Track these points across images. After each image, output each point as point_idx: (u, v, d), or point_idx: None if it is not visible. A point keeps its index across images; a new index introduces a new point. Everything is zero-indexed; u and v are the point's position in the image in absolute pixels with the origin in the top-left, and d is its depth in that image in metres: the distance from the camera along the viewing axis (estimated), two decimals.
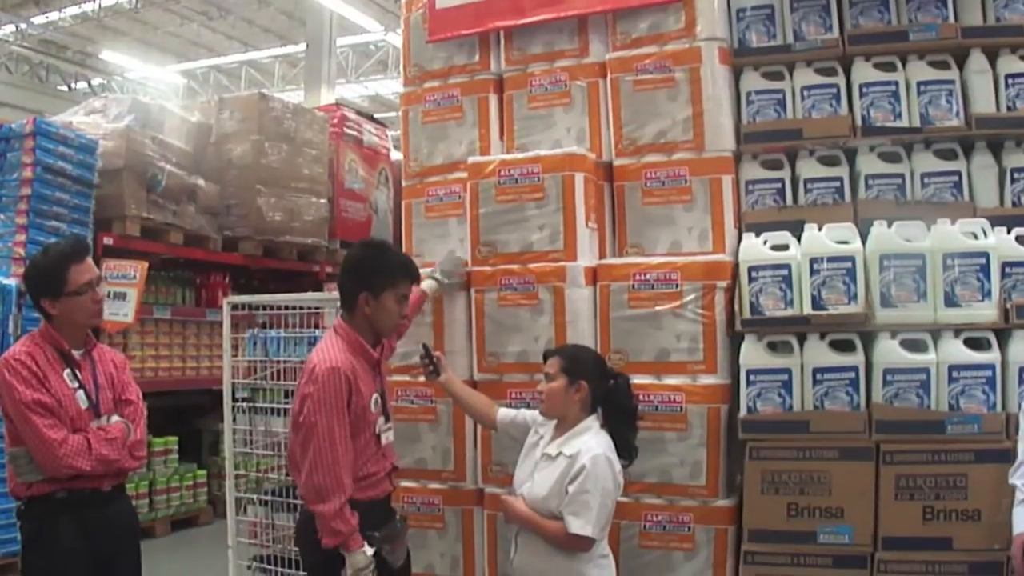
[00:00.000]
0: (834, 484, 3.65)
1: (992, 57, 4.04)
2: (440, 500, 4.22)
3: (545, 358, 3.54)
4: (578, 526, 3.20)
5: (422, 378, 4.04)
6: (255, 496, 5.35)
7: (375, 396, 3.39)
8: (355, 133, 9.88)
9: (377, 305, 3.38)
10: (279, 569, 5.08)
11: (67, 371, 3.36)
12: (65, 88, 21.90)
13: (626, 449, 3.41)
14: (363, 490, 3.34)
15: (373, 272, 3.41)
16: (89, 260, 3.49)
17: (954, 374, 3.63)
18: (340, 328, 3.42)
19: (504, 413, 3.79)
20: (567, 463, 3.29)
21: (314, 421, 3.19)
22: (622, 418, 3.45)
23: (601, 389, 3.43)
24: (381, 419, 3.44)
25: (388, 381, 4.19)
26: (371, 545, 3.28)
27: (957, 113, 4.03)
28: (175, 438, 8.63)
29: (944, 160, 4.08)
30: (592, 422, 3.41)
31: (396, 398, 4.24)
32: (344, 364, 3.25)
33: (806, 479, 3.67)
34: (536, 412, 3.60)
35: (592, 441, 3.32)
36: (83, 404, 3.35)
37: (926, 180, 4.07)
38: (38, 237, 6.71)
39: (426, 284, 4.09)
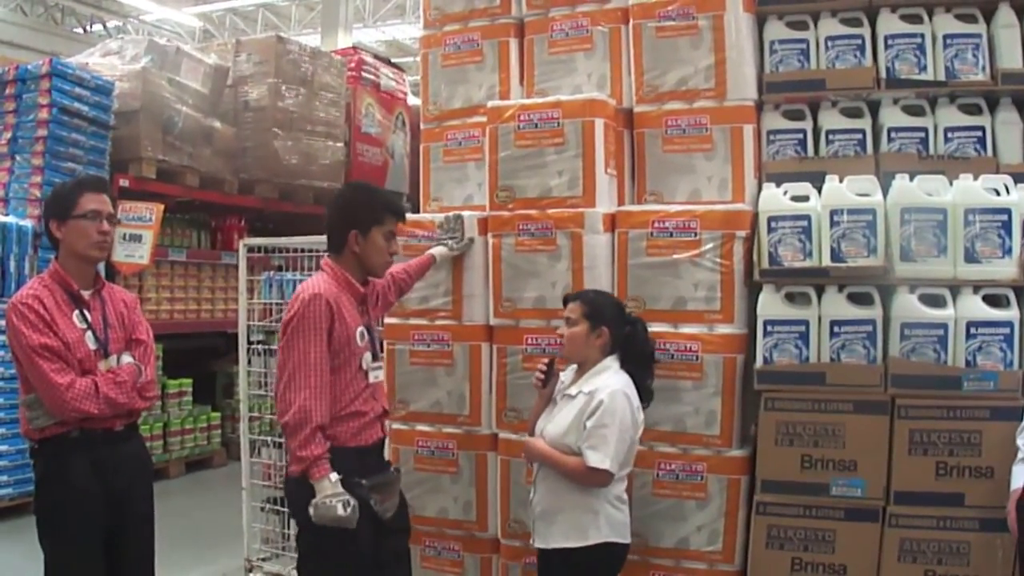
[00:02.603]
0: (848, 437, 3.65)
1: (1020, 12, 3.96)
2: (454, 444, 4.23)
3: (565, 302, 3.56)
4: (596, 459, 3.25)
5: (439, 322, 4.09)
6: (269, 438, 5.40)
7: (360, 329, 3.38)
8: (372, 77, 9.86)
9: (366, 242, 3.39)
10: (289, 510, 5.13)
11: (76, 312, 3.35)
12: (81, 31, 21.75)
13: (642, 391, 3.47)
14: (353, 436, 3.33)
15: (360, 210, 3.44)
16: (105, 196, 3.49)
17: (972, 330, 3.59)
18: (327, 266, 3.44)
19: None
20: (585, 399, 3.35)
21: (292, 343, 3.21)
22: (639, 362, 3.52)
23: (620, 334, 3.47)
24: (368, 355, 3.42)
25: (399, 324, 4.23)
26: (358, 494, 3.23)
27: (983, 67, 3.97)
28: (189, 380, 8.71)
29: (968, 115, 4.02)
30: (612, 362, 3.47)
31: (413, 341, 4.27)
32: (327, 292, 3.26)
33: (820, 431, 3.67)
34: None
35: (612, 379, 3.39)
36: (91, 345, 3.35)
37: (949, 135, 4.02)
38: (54, 179, 6.76)
39: (436, 250, 4.11)
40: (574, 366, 3.56)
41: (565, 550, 3.37)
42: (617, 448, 3.29)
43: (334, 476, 3.17)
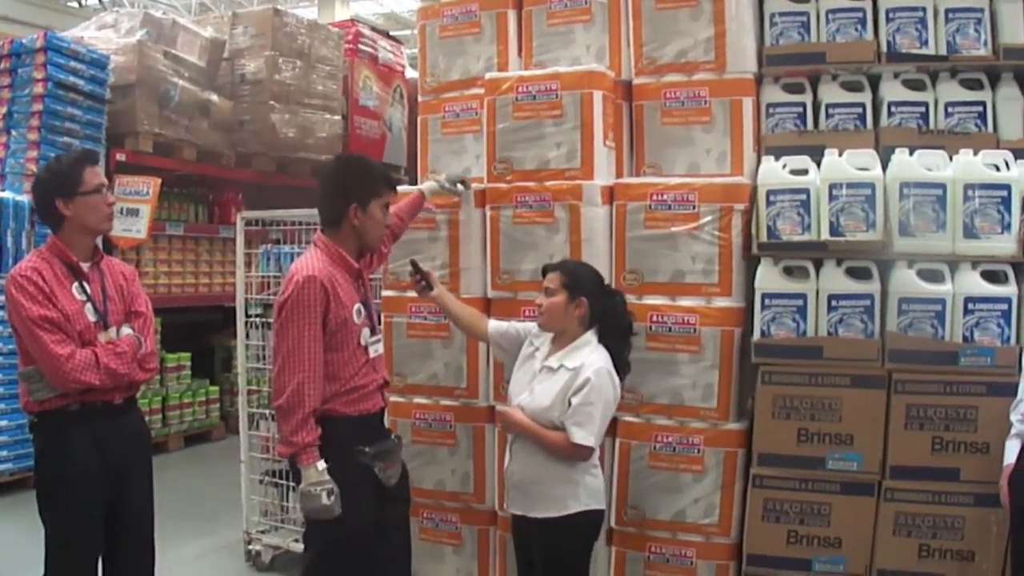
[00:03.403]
0: (845, 411, 3.65)
1: None
2: (452, 417, 4.24)
3: (544, 272, 3.57)
4: (581, 436, 3.28)
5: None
6: (267, 411, 5.39)
7: (357, 306, 3.37)
8: (370, 50, 9.81)
9: (365, 216, 3.38)
10: (291, 483, 5.14)
11: (75, 284, 3.35)
12: (75, 4, 21.57)
13: (620, 364, 3.48)
14: (353, 403, 3.34)
15: (359, 184, 3.41)
16: (98, 168, 3.51)
17: (970, 306, 3.60)
18: (320, 242, 3.41)
19: (495, 325, 3.84)
20: (570, 376, 3.35)
21: (286, 327, 3.20)
22: (617, 334, 3.53)
23: (599, 306, 3.47)
24: (366, 330, 3.42)
25: (396, 297, 4.23)
26: (362, 461, 3.29)
27: (984, 42, 3.95)
28: (188, 354, 8.72)
29: (969, 90, 4.00)
30: (591, 336, 3.47)
31: (410, 314, 4.27)
32: (321, 273, 3.24)
33: (817, 405, 3.67)
34: (528, 324, 3.68)
35: (594, 355, 3.39)
36: (91, 317, 3.35)
37: (950, 109, 4.00)
38: (50, 153, 6.70)
39: (425, 185, 4.11)
40: (548, 335, 3.55)
41: (544, 520, 3.39)
42: (601, 425, 3.34)
43: (321, 464, 3.19)
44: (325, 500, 3.15)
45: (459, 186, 4.12)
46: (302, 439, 3.17)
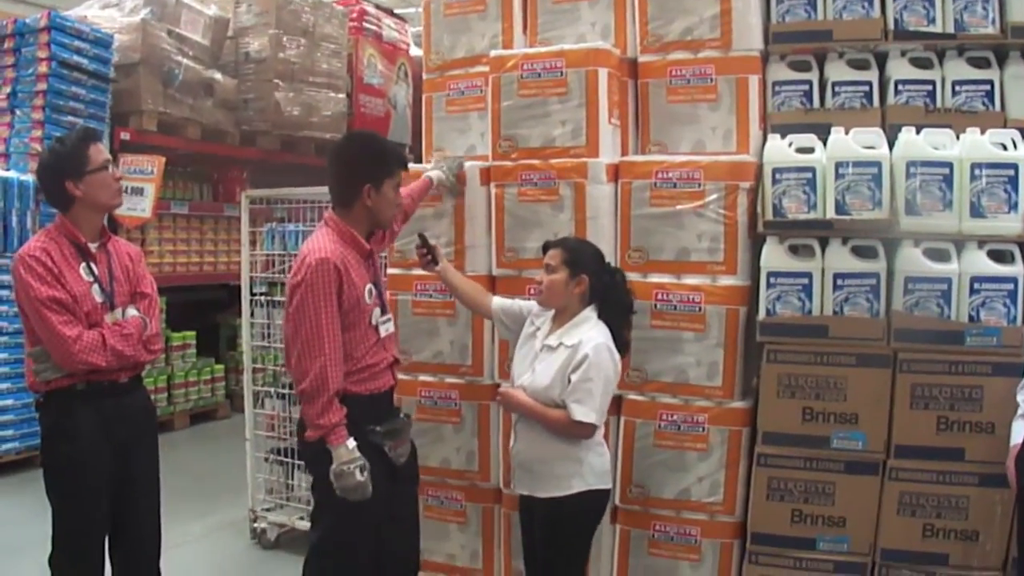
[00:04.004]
0: (850, 390, 3.64)
1: None
2: (457, 394, 4.24)
3: (545, 249, 3.55)
4: (582, 413, 3.27)
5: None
6: (272, 389, 5.42)
7: (368, 287, 3.37)
8: (374, 28, 9.79)
9: (379, 196, 3.36)
10: (295, 461, 5.17)
11: (83, 265, 3.36)
12: None
13: (619, 342, 3.47)
14: (364, 382, 3.35)
15: (372, 164, 3.38)
16: (102, 145, 3.50)
17: (976, 285, 3.58)
18: (332, 221, 3.39)
19: (498, 301, 3.84)
20: (569, 353, 3.34)
21: (302, 311, 3.19)
22: (617, 312, 3.51)
23: (599, 283, 3.46)
24: (377, 310, 3.42)
25: (402, 275, 4.23)
26: (373, 440, 3.31)
27: (992, 20, 3.91)
28: (193, 333, 8.76)
29: (977, 68, 3.97)
30: (591, 312, 3.46)
31: (416, 291, 4.27)
32: (334, 255, 3.22)
33: (822, 384, 3.67)
34: (530, 303, 3.66)
35: (593, 332, 3.37)
36: (98, 298, 3.37)
37: (957, 88, 3.97)
38: (54, 132, 6.73)
39: (434, 173, 4.10)
40: (550, 313, 3.54)
41: (548, 499, 3.39)
42: (602, 401, 3.32)
43: (351, 443, 3.21)
44: (359, 476, 3.18)
45: (454, 174, 4.14)
46: (329, 420, 3.18)
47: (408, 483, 3.59)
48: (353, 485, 3.18)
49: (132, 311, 3.47)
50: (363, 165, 3.39)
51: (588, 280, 3.43)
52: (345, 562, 3.33)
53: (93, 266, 3.38)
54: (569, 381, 3.31)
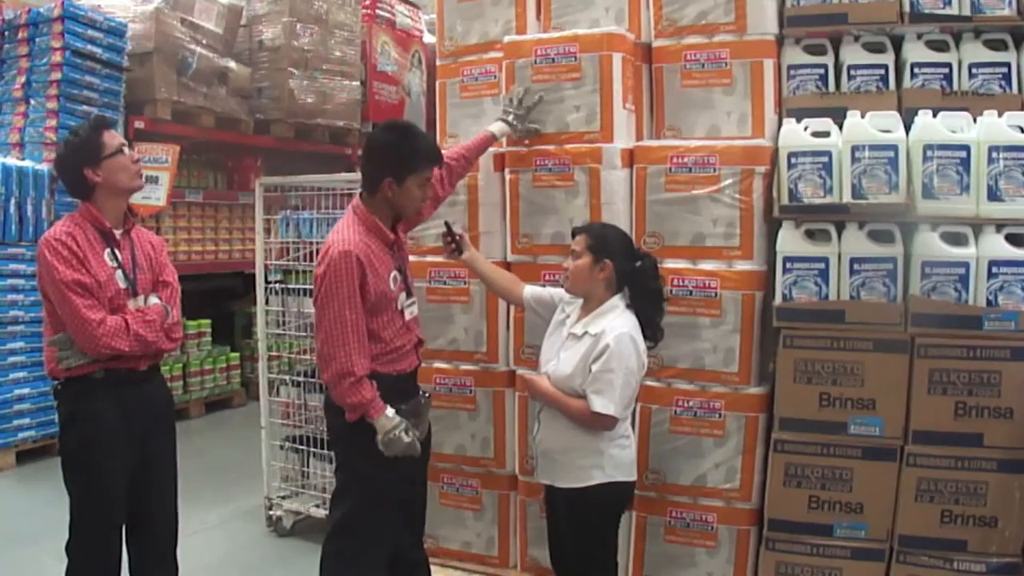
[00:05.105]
0: (867, 375, 3.62)
1: None
2: (472, 381, 4.25)
3: (573, 235, 3.52)
4: (601, 405, 3.23)
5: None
6: (288, 377, 5.42)
7: (393, 273, 3.38)
8: (388, 15, 9.77)
9: (400, 191, 3.35)
10: (311, 449, 5.18)
11: (107, 251, 3.37)
12: None
13: (651, 329, 3.44)
14: (391, 363, 3.38)
15: (397, 158, 3.35)
16: (115, 130, 3.53)
17: (994, 269, 3.55)
18: (358, 209, 3.39)
19: (530, 290, 3.80)
20: (592, 341, 3.31)
21: (326, 302, 3.22)
22: (647, 299, 3.46)
23: (627, 269, 3.41)
24: (403, 295, 3.44)
25: (416, 261, 4.22)
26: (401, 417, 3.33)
27: (1009, 2, 3.86)
28: (208, 321, 8.77)
29: (993, 51, 3.93)
30: (618, 301, 3.41)
31: (430, 278, 4.27)
32: (357, 247, 3.23)
33: (839, 369, 3.65)
34: (562, 291, 3.61)
35: (617, 321, 3.33)
36: (121, 284, 3.37)
37: (974, 70, 3.93)
38: (69, 122, 6.74)
39: (495, 127, 4.04)
40: (579, 302, 3.50)
41: (569, 490, 3.38)
42: (622, 393, 3.26)
43: (390, 411, 3.25)
44: (406, 438, 3.24)
45: (530, 118, 4.06)
46: (363, 397, 3.21)
47: (423, 461, 3.60)
48: (404, 448, 3.23)
49: (154, 299, 3.48)
50: (388, 158, 3.36)
51: (612, 266, 3.38)
52: (369, 542, 3.35)
53: (117, 252, 3.39)
54: (590, 371, 3.28)
